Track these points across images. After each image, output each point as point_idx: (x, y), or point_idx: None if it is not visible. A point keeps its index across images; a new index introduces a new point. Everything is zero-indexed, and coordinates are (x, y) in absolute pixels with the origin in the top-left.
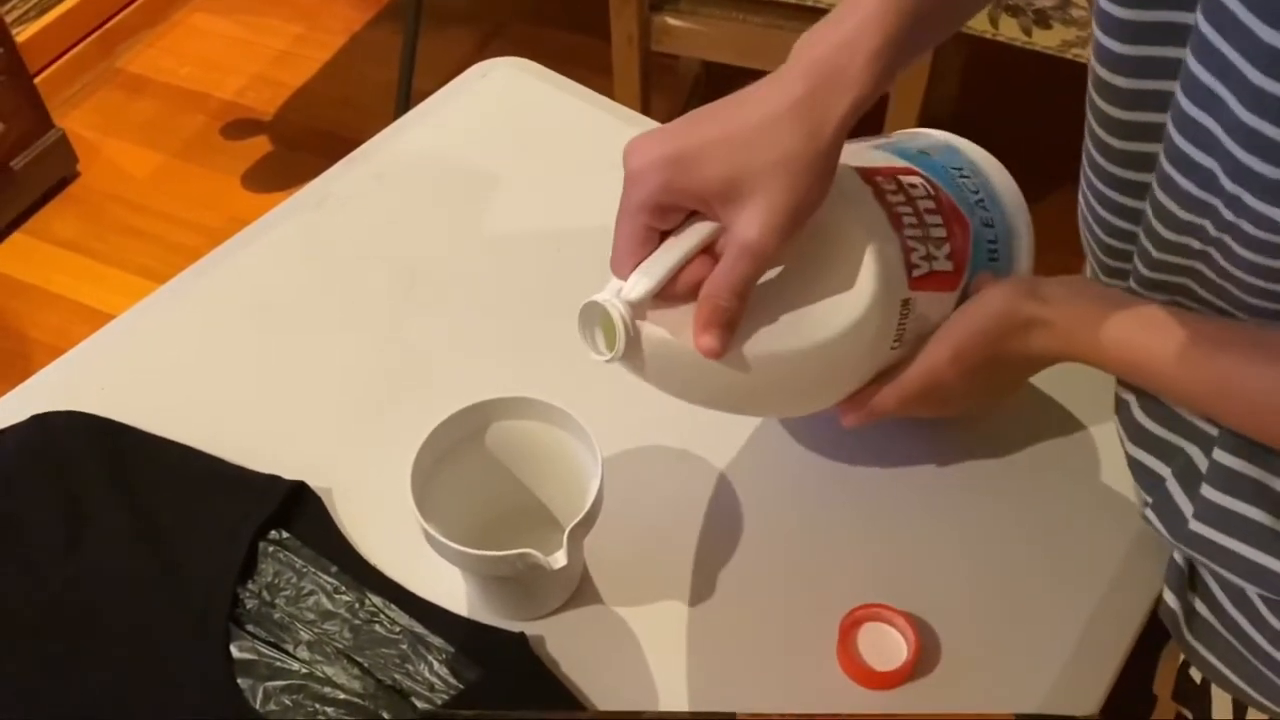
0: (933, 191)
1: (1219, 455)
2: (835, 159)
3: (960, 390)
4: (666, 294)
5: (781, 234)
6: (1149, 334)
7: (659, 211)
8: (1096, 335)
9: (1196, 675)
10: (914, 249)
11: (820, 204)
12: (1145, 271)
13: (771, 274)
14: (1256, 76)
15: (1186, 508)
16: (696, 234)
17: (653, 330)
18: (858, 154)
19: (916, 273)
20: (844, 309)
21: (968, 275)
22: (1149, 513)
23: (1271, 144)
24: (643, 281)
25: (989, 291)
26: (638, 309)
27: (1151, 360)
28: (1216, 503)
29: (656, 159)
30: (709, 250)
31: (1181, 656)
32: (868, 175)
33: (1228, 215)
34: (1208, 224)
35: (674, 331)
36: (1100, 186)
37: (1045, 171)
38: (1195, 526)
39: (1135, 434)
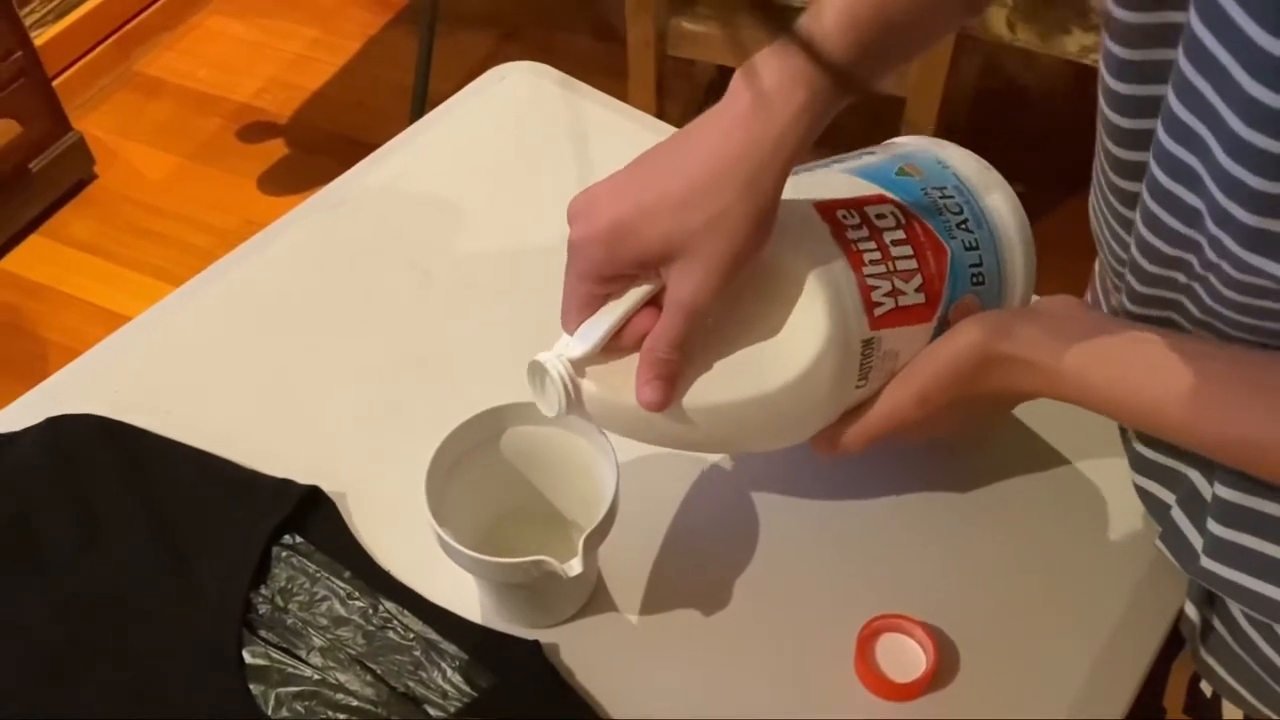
0: (903, 220)
1: (1220, 490)
2: (773, 208)
3: (931, 427)
4: (613, 347)
5: (715, 290)
6: (1140, 374)
7: (601, 281)
8: (1083, 376)
9: (1207, 688)
10: (875, 287)
11: (758, 253)
12: (1131, 306)
13: (720, 322)
14: (1237, 124)
15: (1195, 540)
16: (636, 294)
17: (594, 387)
18: (824, 182)
19: (879, 311)
20: (791, 359)
21: (945, 304)
22: (1159, 543)
23: (1251, 192)
24: (580, 344)
25: (960, 330)
26: (579, 366)
27: (1144, 404)
28: (1223, 538)
29: (597, 231)
30: (655, 301)
31: (1192, 669)
32: (828, 210)
33: (1211, 255)
34: (1193, 260)
35: (618, 385)
36: (1109, 184)
37: (1058, 177)
38: (1206, 563)
39: (1138, 463)
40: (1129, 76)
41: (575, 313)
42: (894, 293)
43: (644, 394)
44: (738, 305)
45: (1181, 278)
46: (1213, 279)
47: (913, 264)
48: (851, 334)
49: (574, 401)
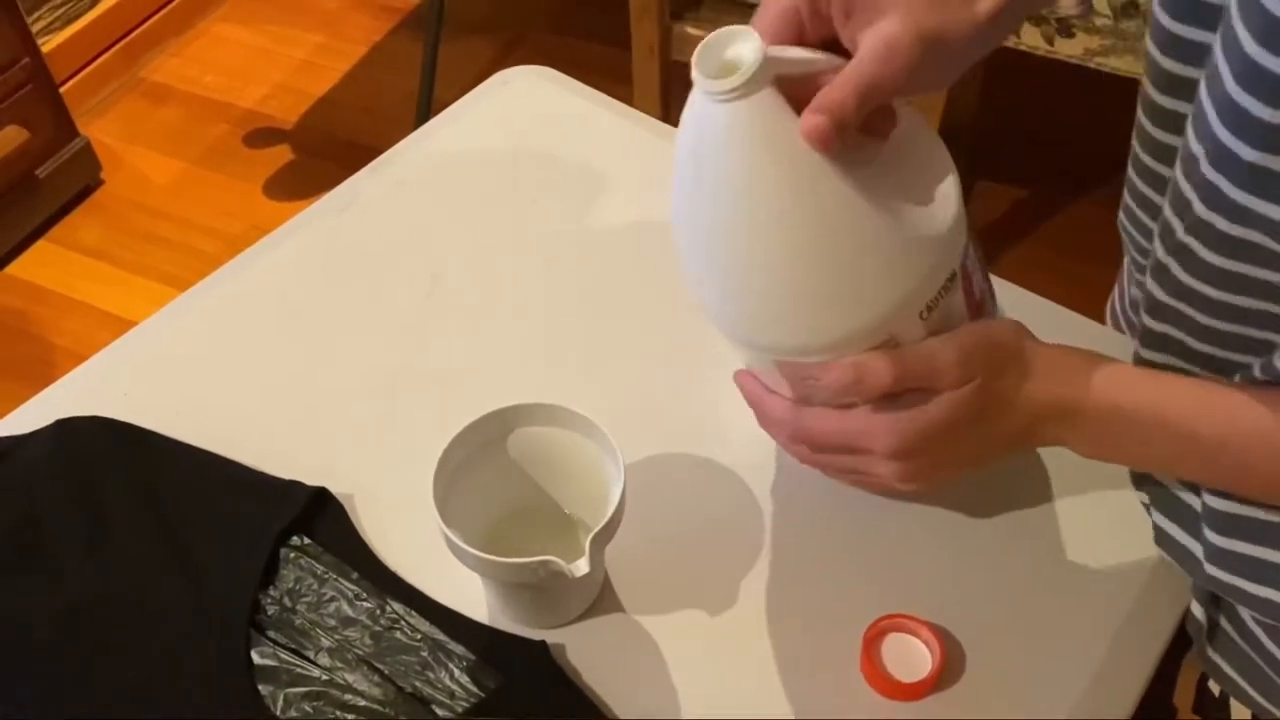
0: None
1: (1209, 500)
2: (980, 38)
3: (949, 407)
4: (791, 95)
5: (916, 46)
6: (1154, 383)
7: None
8: (1110, 389)
9: (1215, 688)
10: (969, 246)
11: (949, 75)
12: (1147, 319)
13: (873, 167)
14: (1249, 44)
15: (1195, 548)
16: (833, 58)
17: (769, 95)
18: None
19: (966, 262)
20: (924, 223)
21: None
22: (1160, 546)
23: (1256, 123)
24: (795, 50)
25: (997, 319)
26: (773, 65)
27: (1157, 408)
28: (1221, 546)
29: None
30: None
31: (1200, 668)
32: None
33: (1200, 210)
34: (1177, 226)
35: (785, 117)
36: (1134, 177)
37: (1061, 179)
38: (1211, 570)
39: (1135, 476)
40: (1180, 14)
41: (771, 18)
42: (973, 265)
43: (811, 121)
44: (884, 164)
45: (1161, 250)
46: (1195, 244)
47: (980, 271)
48: (954, 249)
49: (751, 84)
